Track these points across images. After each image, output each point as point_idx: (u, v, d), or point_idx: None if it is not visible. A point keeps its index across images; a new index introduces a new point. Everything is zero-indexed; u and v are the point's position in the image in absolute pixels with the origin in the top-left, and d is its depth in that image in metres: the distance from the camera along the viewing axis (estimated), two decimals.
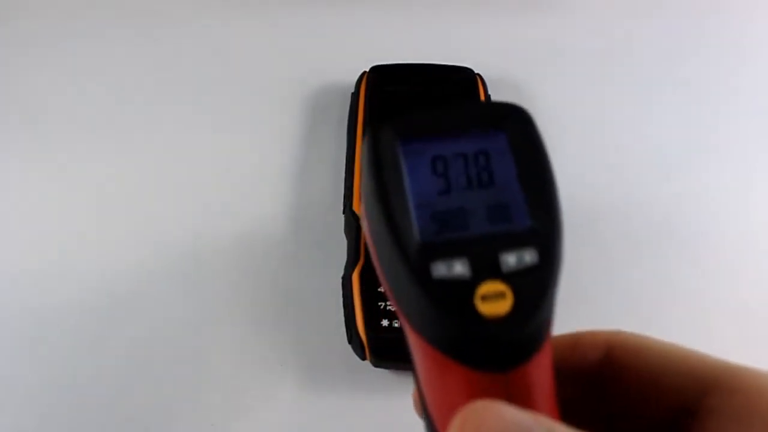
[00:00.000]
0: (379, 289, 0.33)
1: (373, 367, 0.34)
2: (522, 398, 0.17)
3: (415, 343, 0.18)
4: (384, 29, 0.47)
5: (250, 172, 0.40)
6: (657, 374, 0.20)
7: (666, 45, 0.47)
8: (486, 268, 0.17)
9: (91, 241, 0.38)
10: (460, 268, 0.17)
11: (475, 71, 0.41)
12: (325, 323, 0.35)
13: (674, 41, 0.47)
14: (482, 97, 0.40)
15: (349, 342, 0.34)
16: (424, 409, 0.19)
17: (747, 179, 0.41)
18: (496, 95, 0.41)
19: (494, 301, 0.17)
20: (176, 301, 0.36)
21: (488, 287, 0.17)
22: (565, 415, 0.19)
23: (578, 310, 0.36)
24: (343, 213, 0.37)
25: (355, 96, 0.41)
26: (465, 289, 0.17)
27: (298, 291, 0.36)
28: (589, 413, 0.21)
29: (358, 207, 0.36)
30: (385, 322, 0.33)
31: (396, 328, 0.33)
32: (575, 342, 0.21)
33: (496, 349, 0.17)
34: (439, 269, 0.17)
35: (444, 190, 0.19)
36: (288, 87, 0.44)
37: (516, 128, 0.20)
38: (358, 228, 0.35)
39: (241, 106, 0.43)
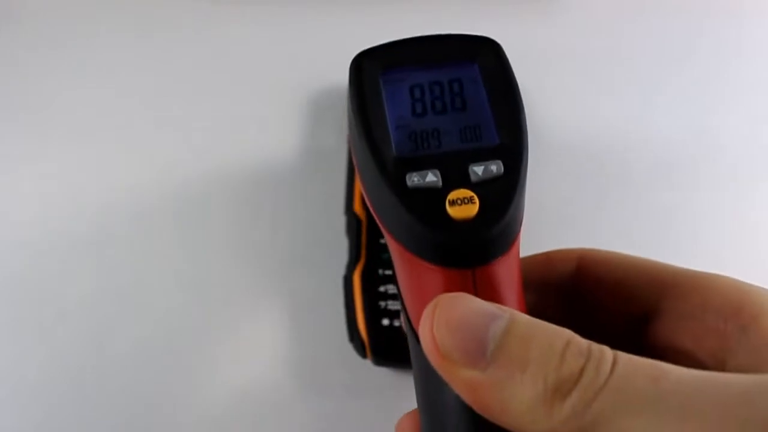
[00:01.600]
0: (379, 289, 0.34)
1: (373, 366, 0.34)
2: (489, 293, 0.19)
3: (394, 250, 0.20)
4: (384, 31, 0.47)
5: (251, 173, 0.40)
6: (621, 283, 0.22)
7: (666, 45, 0.47)
8: (456, 178, 0.19)
9: (93, 240, 0.38)
10: (432, 177, 0.19)
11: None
12: (327, 322, 0.35)
13: (674, 41, 0.47)
14: None
15: (350, 341, 0.34)
16: (405, 315, 0.20)
17: (747, 179, 0.41)
18: None
19: (462, 205, 0.19)
20: (178, 300, 0.36)
21: (457, 194, 0.19)
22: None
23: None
24: (345, 213, 0.37)
25: None
26: (436, 195, 0.19)
27: (299, 290, 0.36)
28: (560, 323, 0.22)
29: (358, 207, 0.36)
30: (385, 322, 0.33)
31: (396, 327, 0.33)
32: (548, 257, 0.23)
33: (465, 249, 0.19)
34: (413, 179, 0.19)
35: (420, 113, 0.21)
36: (289, 89, 0.44)
37: (487, 59, 0.22)
38: (359, 228, 0.35)
39: (242, 108, 0.43)
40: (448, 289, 0.19)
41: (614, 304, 0.22)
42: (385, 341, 0.33)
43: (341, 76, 0.43)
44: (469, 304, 0.17)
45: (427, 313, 0.17)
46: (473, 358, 0.16)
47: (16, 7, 0.48)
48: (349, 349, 0.34)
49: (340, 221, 0.37)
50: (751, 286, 0.20)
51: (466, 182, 0.19)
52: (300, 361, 0.35)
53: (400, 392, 0.34)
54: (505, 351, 0.16)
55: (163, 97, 0.44)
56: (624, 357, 0.15)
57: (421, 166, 0.19)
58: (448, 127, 0.20)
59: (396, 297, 0.33)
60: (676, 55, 0.47)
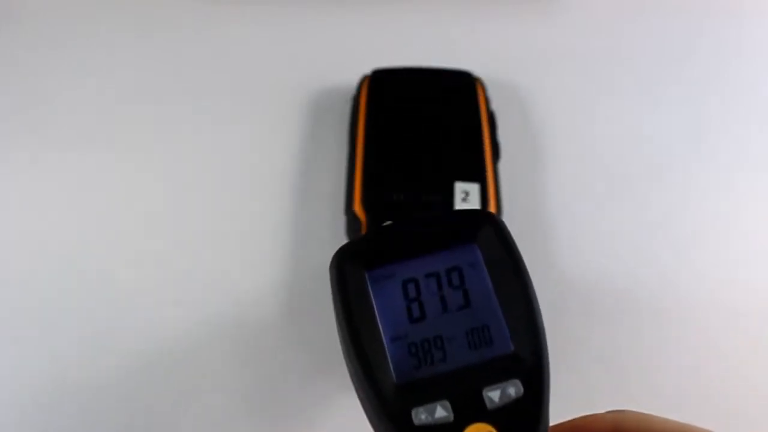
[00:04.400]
0: None
1: None
2: None
3: None
4: (384, 33, 0.47)
5: (252, 174, 0.40)
6: None
7: (666, 45, 0.47)
8: (469, 409, 0.16)
9: (95, 241, 0.38)
10: (442, 411, 0.16)
11: (475, 74, 0.42)
12: (326, 322, 0.35)
13: (674, 41, 0.47)
14: (482, 101, 0.40)
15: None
16: None
17: (747, 179, 0.41)
18: (496, 97, 0.41)
19: None
20: (177, 300, 0.36)
21: (474, 430, 0.16)
22: None
23: (570, 308, 0.36)
24: (345, 214, 0.37)
25: (356, 99, 0.41)
26: None
27: (299, 290, 0.36)
28: None
29: (358, 207, 0.36)
30: None
31: None
32: (577, 429, 0.19)
33: None
34: (421, 416, 0.16)
35: (418, 317, 0.18)
36: (290, 90, 0.44)
37: (486, 237, 0.18)
38: (359, 228, 0.35)
39: (243, 109, 0.43)
40: None
41: None
42: None
43: (341, 76, 0.44)
44: None
45: None
46: None
47: (16, 7, 0.48)
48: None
49: (340, 221, 0.37)
50: None
51: (482, 412, 0.16)
52: (300, 361, 0.35)
53: None
54: None
55: (163, 96, 0.44)
56: None
57: (427, 396, 0.16)
58: (452, 331, 0.18)
59: None
60: (676, 55, 0.47)
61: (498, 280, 0.18)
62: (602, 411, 0.19)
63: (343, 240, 0.36)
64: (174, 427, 0.33)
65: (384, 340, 0.17)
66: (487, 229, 0.18)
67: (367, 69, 0.42)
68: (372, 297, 0.18)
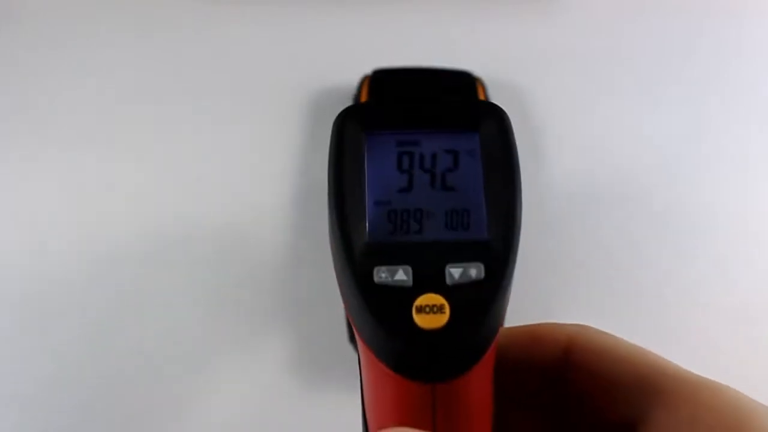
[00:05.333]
0: None
1: None
2: (449, 412, 0.17)
3: (359, 346, 0.18)
4: (384, 33, 0.47)
5: (252, 174, 0.40)
6: (611, 381, 0.19)
7: (666, 45, 0.47)
8: (428, 279, 0.17)
9: (95, 241, 0.38)
10: (402, 275, 0.17)
11: (475, 74, 0.42)
12: (326, 322, 0.35)
13: (674, 41, 0.47)
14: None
15: (350, 341, 0.34)
16: (363, 415, 0.19)
17: (747, 179, 0.41)
18: (496, 97, 0.41)
19: (431, 314, 0.16)
20: (178, 300, 0.36)
21: (427, 299, 0.16)
22: (517, 411, 0.18)
23: (570, 308, 0.36)
24: None
25: (356, 99, 0.41)
26: (404, 297, 0.16)
27: (299, 291, 0.37)
28: (544, 407, 0.20)
29: None
30: None
31: None
32: (535, 334, 0.20)
33: (427, 362, 0.17)
34: (381, 274, 0.17)
35: (405, 187, 0.18)
36: (290, 90, 0.44)
37: (490, 130, 0.19)
38: None
39: (243, 109, 0.43)
40: (405, 400, 0.17)
41: (601, 403, 0.19)
42: None
43: (341, 76, 0.44)
44: None
45: None
46: None
47: (16, 7, 0.48)
48: (349, 349, 0.34)
49: None
50: (753, 405, 0.17)
51: (439, 285, 0.17)
52: (300, 361, 0.35)
53: None
54: None
55: (163, 96, 0.44)
56: None
57: (392, 258, 0.17)
58: (434, 208, 0.18)
59: None
60: (676, 55, 0.47)
61: (489, 171, 0.18)
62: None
63: None
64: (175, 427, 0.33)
65: (366, 202, 0.18)
66: (492, 122, 0.19)
67: (367, 69, 0.42)
68: (366, 159, 0.19)
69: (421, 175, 0.18)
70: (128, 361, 0.35)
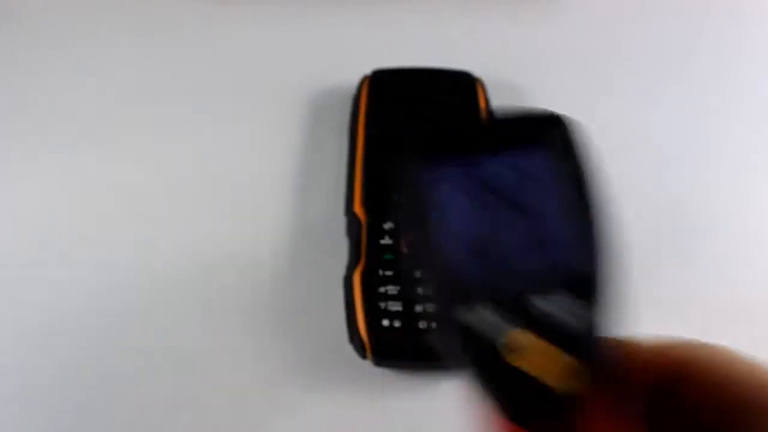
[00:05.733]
0: (379, 290, 0.34)
1: (373, 367, 0.34)
2: None
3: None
4: (384, 33, 0.47)
5: (252, 175, 0.40)
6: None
7: (666, 45, 0.47)
8: (516, 316, 0.16)
9: (95, 241, 0.38)
10: (489, 315, 0.16)
11: (475, 74, 0.42)
12: (327, 323, 0.35)
13: (674, 41, 0.47)
14: (482, 101, 0.40)
15: (350, 341, 0.34)
16: None
17: (747, 179, 0.41)
18: (496, 97, 0.41)
19: (522, 353, 0.16)
20: (178, 302, 0.36)
21: (517, 337, 0.16)
22: None
23: None
24: (345, 215, 0.37)
25: (356, 99, 0.41)
26: (492, 338, 0.16)
27: (300, 291, 0.37)
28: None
29: (358, 208, 0.36)
30: (385, 322, 0.33)
31: (396, 328, 0.33)
32: (629, 357, 0.18)
33: (526, 403, 0.15)
34: (467, 315, 0.16)
35: (478, 216, 0.17)
36: (290, 90, 0.44)
37: (555, 142, 0.18)
38: (360, 229, 0.35)
39: (243, 109, 0.43)
40: None
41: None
42: (385, 342, 0.33)
43: (341, 76, 0.44)
44: None
45: None
46: None
47: (16, 7, 0.48)
48: (349, 349, 0.34)
49: (341, 222, 0.37)
50: None
51: (527, 319, 0.16)
52: (300, 361, 0.35)
53: (400, 393, 0.34)
54: None
55: (163, 96, 0.44)
56: None
57: (474, 297, 0.16)
58: (511, 236, 0.17)
59: (396, 298, 0.33)
60: (676, 55, 0.47)
61: (563, 187, 0.17)
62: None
63: (343, 240, 0.36)
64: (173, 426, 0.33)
65: (442, 238, 0.17)
66: (556, 132, 0.18)
67: (367, 69, 0.42)
68: (432, 194, 0.17)
69: (492, 202, 0.17)
70: (128, 361, 0.35)
